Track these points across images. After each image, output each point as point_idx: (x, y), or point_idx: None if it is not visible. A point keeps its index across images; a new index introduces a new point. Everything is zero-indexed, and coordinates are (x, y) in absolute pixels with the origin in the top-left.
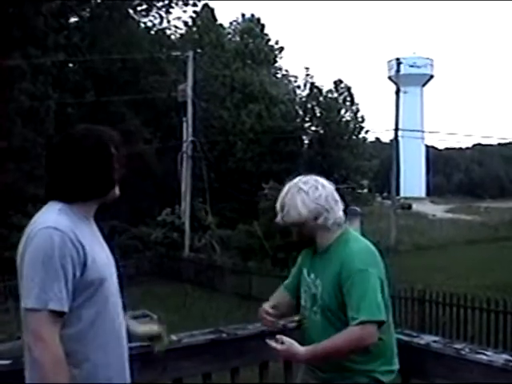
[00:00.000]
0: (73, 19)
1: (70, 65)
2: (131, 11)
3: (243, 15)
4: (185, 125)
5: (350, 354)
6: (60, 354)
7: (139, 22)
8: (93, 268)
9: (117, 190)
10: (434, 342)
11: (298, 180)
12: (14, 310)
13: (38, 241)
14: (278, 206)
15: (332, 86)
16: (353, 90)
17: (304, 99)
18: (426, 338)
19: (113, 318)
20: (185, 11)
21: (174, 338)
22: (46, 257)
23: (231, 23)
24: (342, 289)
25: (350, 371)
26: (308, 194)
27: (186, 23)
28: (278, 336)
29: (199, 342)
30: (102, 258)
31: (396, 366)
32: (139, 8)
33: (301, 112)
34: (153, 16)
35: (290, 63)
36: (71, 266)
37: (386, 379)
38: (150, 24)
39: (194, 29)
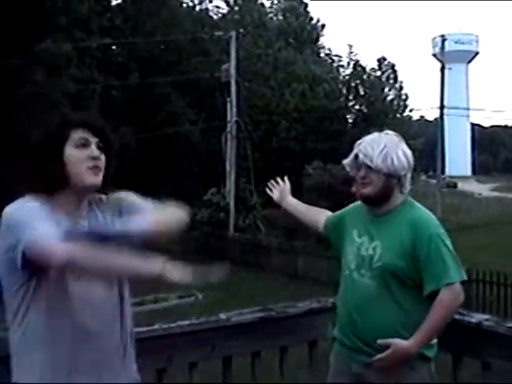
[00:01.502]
0: (115, 2)
1: (114, 47)
2: None
3: None
4: (229, 105)
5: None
6: None
7: (181, 2)
8: None
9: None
10: (486, 320)
11: (391, 133)
12: None
13: (9, 210)
14: (373, 150)
15: (375, 64)
16: (397, 68)
17: (347, 78)
18: (478, 317)
19: (77, 317)
20: None
21: (223, 316)
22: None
23: (272, 2)
24: (417, 253)
25: None
26: (406, 150)
27: (227, 3)
28: (380, 341)
29: (248, 321)
30: None
31: (435, 340)
32: None
33: (344, 91)
34: None
35: (333, 41)
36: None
37: (430, 354)
38: (191, 4)
39: (236, 8)
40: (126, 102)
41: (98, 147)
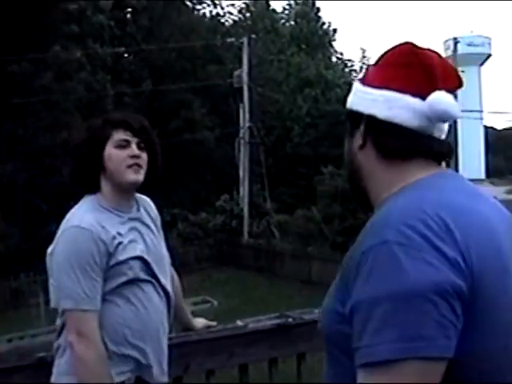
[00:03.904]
0: (128, 9)
1: (126, 55)
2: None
3: None
4: (241, 111)
5: None
6: (103, 351)
7: (193, 9)
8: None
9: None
10: None
11: None
12: (44, 305)
13: (64, 240)
14: None
15: None
16: None
17: None
18: None
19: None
20: None
21: (240, 323)
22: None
23: (284, 8)
24: None
25: None
26: None
27: (240, 10)
28: None
29: (266, 328)
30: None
31: None
32: None
33: None
34: (206, 3)
35: (345, 46)
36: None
37: None
38: (203, 12)
39: (248, 15)
40: (139, 110)
41: (139, 147)
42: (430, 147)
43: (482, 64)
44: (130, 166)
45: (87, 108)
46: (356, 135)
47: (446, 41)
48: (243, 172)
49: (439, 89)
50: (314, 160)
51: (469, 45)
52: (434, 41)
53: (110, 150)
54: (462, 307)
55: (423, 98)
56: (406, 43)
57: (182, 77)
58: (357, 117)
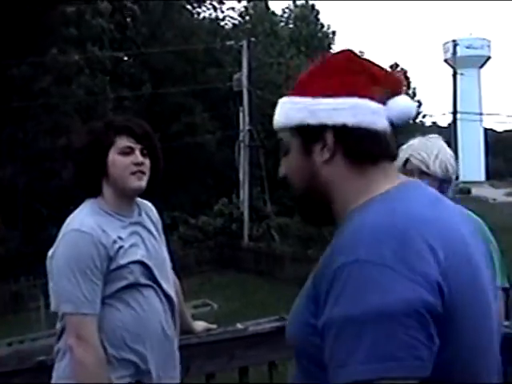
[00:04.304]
0: (128, 12)
1: (126, 59)
2: (186, 3)
3: (294, 1)
4: (241, 114)
5: None
6: (102, 354)
7: (192, 13)
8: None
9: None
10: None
11: (436, 136)
12: (44, 308)
13: (64, 244)
14: (429, 156)
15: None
16: (409, 74)
17: None
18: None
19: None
20: (239, 0)
21: (240, 326)
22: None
23: (284, 11)
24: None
25: None
26: (452, 153)
27: (240, 14)
28: None
29: (265, 330)
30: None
31: None
32: None
33: None
34: (206, 7)
35: (344, 48)
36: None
37: None
38: (203, 15)
39: (247, 18)
40: (139, 113)
41: (142, 153)
42: (393, 148)
43: (481, 66)
44: (133, 173)
45: (87, 111)
46: (315, 150)
47: (446, 43)
48: (243, 175)
49: (389, 90)
50: None
51: (468, 47)
52: (433, 43)
53: (114, 157)
54: (436, 326)
55: (379, 101)
56: (345, 51)
57: (182, 80)
58: (315, 130)
